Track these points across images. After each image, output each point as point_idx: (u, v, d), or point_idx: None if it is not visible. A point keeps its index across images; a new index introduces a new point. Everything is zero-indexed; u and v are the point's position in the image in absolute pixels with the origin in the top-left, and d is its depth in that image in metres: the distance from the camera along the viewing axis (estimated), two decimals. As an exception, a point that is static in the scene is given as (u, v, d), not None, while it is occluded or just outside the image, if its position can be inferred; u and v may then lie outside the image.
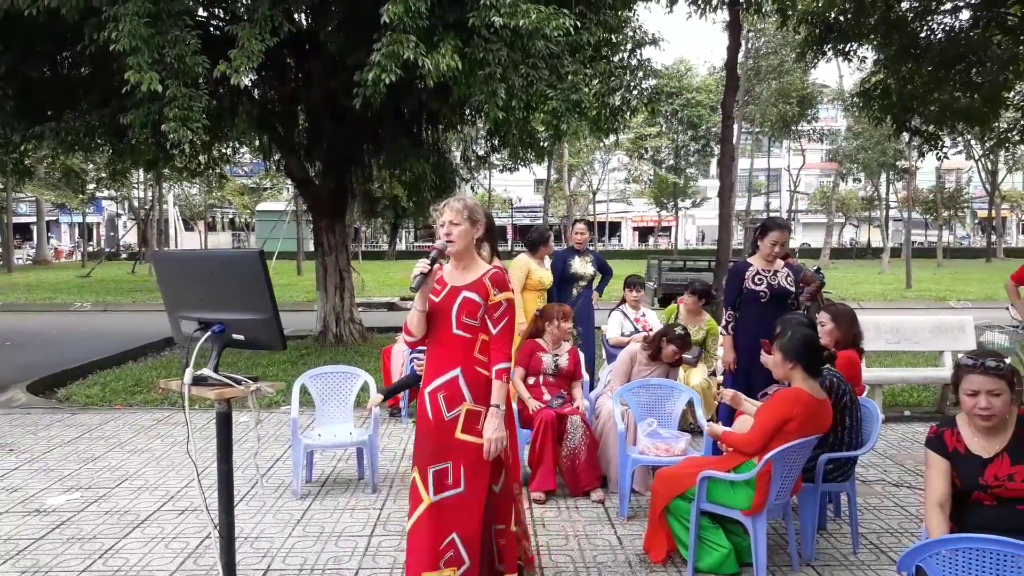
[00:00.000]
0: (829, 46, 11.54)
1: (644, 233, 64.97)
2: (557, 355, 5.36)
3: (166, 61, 7.12)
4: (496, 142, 12.30)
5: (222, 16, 9.66)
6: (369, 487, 5.12)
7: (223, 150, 13.41)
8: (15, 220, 42.48)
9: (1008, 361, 2.92)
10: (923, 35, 11.14)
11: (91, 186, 34.33)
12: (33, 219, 45.58)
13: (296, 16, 9.32)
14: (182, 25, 7.24)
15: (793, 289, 5.28)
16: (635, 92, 10.63)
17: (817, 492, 4.04)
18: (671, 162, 46.93)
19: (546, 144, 12.85)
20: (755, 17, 14.68)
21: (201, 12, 9.37)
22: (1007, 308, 6.92)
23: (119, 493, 5.07)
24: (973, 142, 37.22)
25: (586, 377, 5.96)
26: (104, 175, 21.63)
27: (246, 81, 7.58)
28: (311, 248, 16.94)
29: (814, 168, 54.55)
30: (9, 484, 5.25)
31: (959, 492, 2.89)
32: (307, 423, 6.12)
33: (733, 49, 11.50)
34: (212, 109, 7.89)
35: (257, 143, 12.93)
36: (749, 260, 5.36)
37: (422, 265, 3.13)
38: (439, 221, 3.22)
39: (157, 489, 5.14)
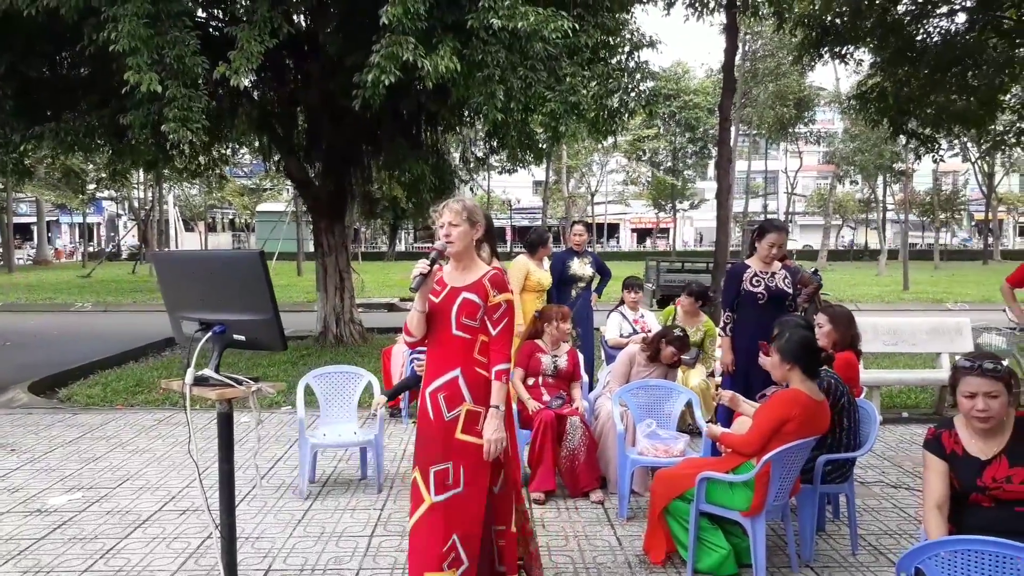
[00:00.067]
0: (826, 49, 11.55)
1: (642, 235, 65.03)
2: (556, 356, 5.37)
3: (165, 62, 7.12)
4: (495, 143, 12.31)
5: (221, 17, 9.67)
6: (373, 487, 5.13)
7: (223, 151, 13.40)
8: (15, 220, 42.44)
9: (1005, 363, 2.93)
10: (919, 38, 11.14)
11: (91, 186, 34.30)
12: (33, 219, 45.54)
13: (295, 18, 9.33)
14: (181, 26, 7.25)
15: (791, 291, 5.30)
16: (633, 94, 10.67)
17: (816, 493, 4.06)
18: (669, 164, 47.03)
19: (544, 146, 12.88)
20: (752, 20, 14.76)
21: (200, 13, 9.38)
22: (1004, 310, 6.94)
23: (120, 493, 5.07)
24: (969, 145, 37.22)
25: (585, 378, 5.97)
26: (104, 175, 21.59)
27: (245, 82, 7.58)
28: (311, 249, 16.94)
29: (811, 170, 54.64)
30: (10, 484, 5.26)
31: (957, 494, 2.91)
32: (310, 423, 6.13)
33: (730, 52, 11.54)
34: (212, 110, 7.89)
35: (257, 144, 12.95)
36: (747, 262, 5.37)
37: (421, 266, 3.14)
38: (438, 222, 3.24)
39: (158, 489, 5.15)
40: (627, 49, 10.57)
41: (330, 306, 11.61)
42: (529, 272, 6.88)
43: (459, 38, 7.53)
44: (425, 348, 3.36)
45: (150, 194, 36.50)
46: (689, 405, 5.23)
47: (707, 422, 4.74)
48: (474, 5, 7.40)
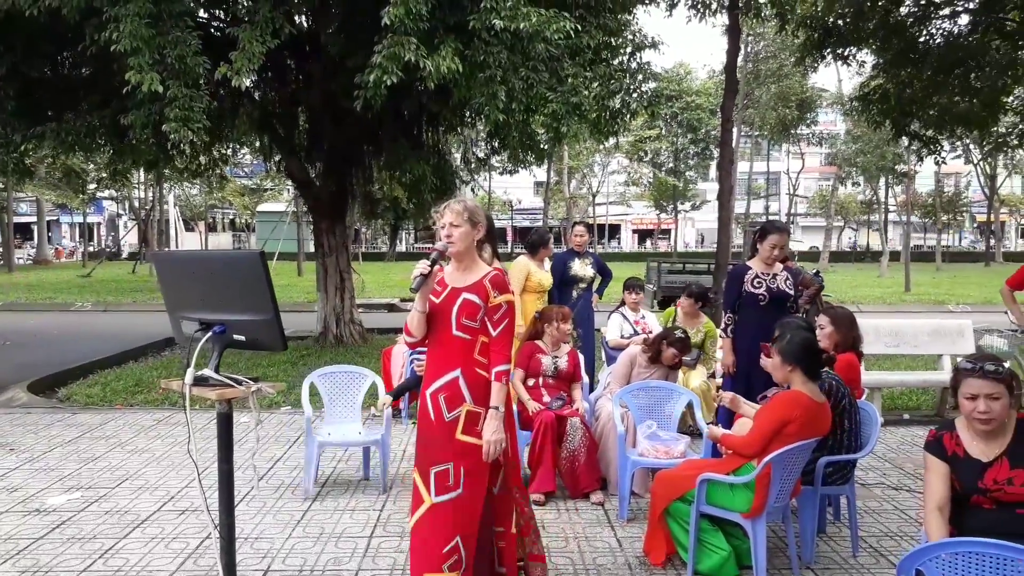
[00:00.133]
0: (828, 50, 11.54)
1: (643, 236, 65.02)
2: (556, 357, 5.37)
3: (167, 62, 7.12)
4: (496, 144, 12.31)
5: (223, 18, 9.67)
6: (372, 487, 5.13)
7: (224, 151, 13.41)
8: (16, 220, 42.47)
9: (1007, 365, 2.92)
10: (922, 40, 11.14)
11: (92, 186, 34.34)
12: (34, 219, 45.58)
13: (297, 18, 9.34)
14: (183, 26, 7.25)
15: (792, 292, 5.29)
16: (635, 95, 10.68)
17: (816, 495, 4.05)
18: (670, 165, 46.98)
19: (546, 146, 12.87)
20: (754, 21, 14.73)
21: (202, 13, 9.38)
22: (1006, 312, 6.93)
23: (119, 493, 5.07)
24: (972, 146, 37.18)
25: (586, 379, 5.97)
26: (105, 175, 21.62)
27: (247, 83, 7.58)
28: (311, 249, 16.96)
29: (813, 172, 54.59)
30: (9, 484, 5.26)
31: (958, 496, 2.90)
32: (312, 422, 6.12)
33: (732, 53, 11.53)
34: (213, 110, 7.89)
35: (258, 144, 12.95)
36: (748, 263, 5.37)
37: (422, 266, 3.14)
38: (439, 223, 3.23)
39: (157, 489, 5.15)
40: (629, 50, 10.57)
41: (330, 306, 11.61)
42: (530, 273, 6.87)
43: (461, 39, 7.53)
44: (425, 349, 3.36)
45: (150, 194, 36.54)
46: (690, 406, 5.22)
47: (708, 423, 4.73)
48: (476, 6, 7.39)
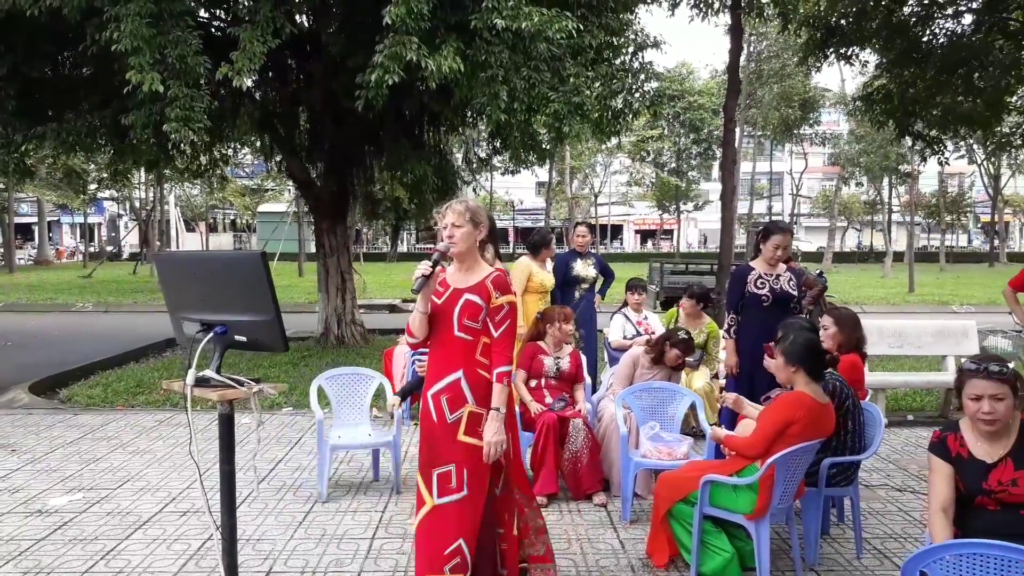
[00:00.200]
0: (831, 50, 11.53)
1: (646, 236, 64.96)
2: (559, 358, 5.35)
3: (168, 62, 7.11)
4: (498, 144, 12.30)
5: (224, 17, 9.67)
6: (374, 489, 5.12)
7: (224, 151, 13.41)
8: (16, 220, 42.46)
9: (1012, 366, 2.91)
10: (925, 39, 11.12)
11: (92, 186, 34.31)
12: (34, 219, 45.62)
13: (298, 18, 9.33)
14: (184, 26, 7.24)
15: (796, 293, 5.27)
16: (637, 95, 10.66)
17: (820, 496, 4.04)
18: (673, 165, 46.89)
19: (548, 147, 12.85)
20: (757, 21, 14.70)
21: (203, 13, 9.38)
22: (1010, 313, 6.91)
23: (121, 494, 5.06)
24: (975, 146, 37.16)
25: (588, 380, 5.95)
26: (105, 175, 21.60)
27: (248, 83, 7.58)
28: (312, 250, 16.96)
29: (816, 172, 54.53)
30: (11, 485, 5.25)
31: (963, 497, 2.88)
32: (311, 424, 6.12)
33: (735, 53, 11.52)
34: (213, 110, 7.89)
35: (258, 144, 12.96)
36: (751, 264, 5.35)
37: (424, 267, 3.13)
38: (441, 223, 3.22)
39: (159, 490, 5.14)
40: (631, 50, 10.55)
41: (331, 307, 11.60)
42: (532, 273, 6.86)
43: (462, 38, 7.52)
44: (427, 350, 3.34)
45: (151, 194, 36.56)
46: (693, 407, 5.20)
47: (711, 424, 4.72)
48: (478, 5, 7.38)
